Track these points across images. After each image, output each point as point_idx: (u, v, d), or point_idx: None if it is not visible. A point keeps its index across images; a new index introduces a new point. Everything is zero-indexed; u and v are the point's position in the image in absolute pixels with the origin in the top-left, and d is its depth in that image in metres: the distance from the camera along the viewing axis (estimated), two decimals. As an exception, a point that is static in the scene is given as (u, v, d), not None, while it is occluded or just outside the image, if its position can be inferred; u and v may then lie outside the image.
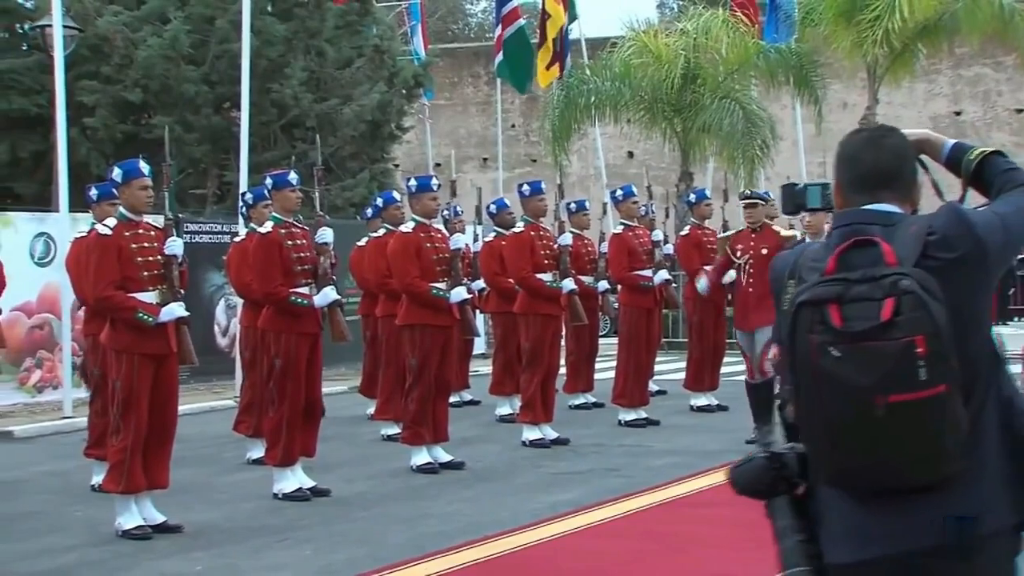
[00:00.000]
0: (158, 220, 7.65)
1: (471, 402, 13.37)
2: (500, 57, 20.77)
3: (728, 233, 11.07)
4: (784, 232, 10.33)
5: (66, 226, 12.29)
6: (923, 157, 2.93)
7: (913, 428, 2.51)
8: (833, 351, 2.52)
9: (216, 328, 15.74)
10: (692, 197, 13.52)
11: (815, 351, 2.55)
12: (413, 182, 9.58)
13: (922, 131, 2.96)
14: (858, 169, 2.82)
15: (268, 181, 8.71)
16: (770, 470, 2.73)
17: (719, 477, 7.55)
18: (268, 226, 8.48)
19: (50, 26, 14.33)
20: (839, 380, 2.52)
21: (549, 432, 10.66)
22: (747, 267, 10.20)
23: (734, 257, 10.36)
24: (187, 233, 14.56)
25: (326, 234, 8.58)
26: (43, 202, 17.58)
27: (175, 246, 7.44)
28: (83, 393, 10.78)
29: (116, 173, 7.49)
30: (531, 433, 10.58)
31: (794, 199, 3.10)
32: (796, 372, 2.62)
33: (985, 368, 2.66)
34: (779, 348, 2.76)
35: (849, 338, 2.51)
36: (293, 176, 8.56)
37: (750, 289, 10.10)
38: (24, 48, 21.05)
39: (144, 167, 7.52)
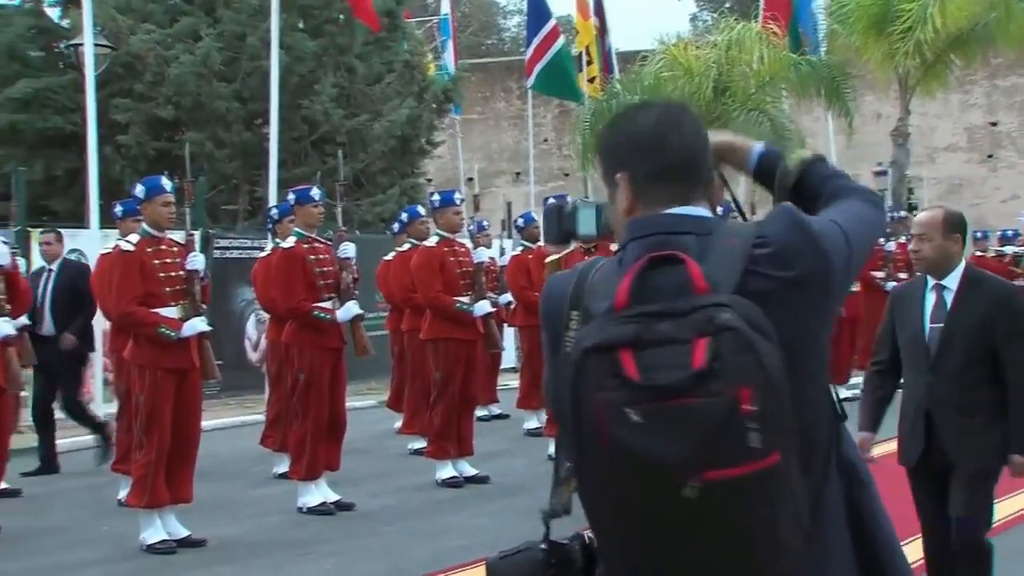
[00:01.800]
0: (181, 236, 7.75)
1: (500, 416, 13.36)
2: (538, 69, 20.89)
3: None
4: None
5: (97, 242, 12.38)
6: (724, 169, 2.32)
7: (739, 514, 1.84)
8: (632, 414, 1.82)
9: (247, 343, 15.81)
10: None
11: (606, 415, 1.84)
12: (436, 197, 9.63)
13: (724, 137, 2.35)
14: (662, 158, 2.09)
15: (291, 196, 8.78)
16: (546, 566, 2.08)
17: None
18: (291, 241, 8.55)
19: (83, 44, 14.46)
20: (639, 454, 1.82)
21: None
22: None
23: None
24: (218, 248, 14.67)
25: (348, 248, 8.62)
26: (77, 219, 17.73)
27: (196, 261, 7.49)
28: (114, 408, 10.87)
29: (139, 190, 7.57)
30: (554, 447, 10.53)
31: (561, 225, 2.33)
32: (579, 443, 1.91)
33: (825, 424, 2.06)
34: (550, 411, 2.12)
35: (652, 395, 1.82)
36: (315, 191, 8.64)
37: None
38: (61, 67, 21.33)
39: (167, 183, 7.60)
